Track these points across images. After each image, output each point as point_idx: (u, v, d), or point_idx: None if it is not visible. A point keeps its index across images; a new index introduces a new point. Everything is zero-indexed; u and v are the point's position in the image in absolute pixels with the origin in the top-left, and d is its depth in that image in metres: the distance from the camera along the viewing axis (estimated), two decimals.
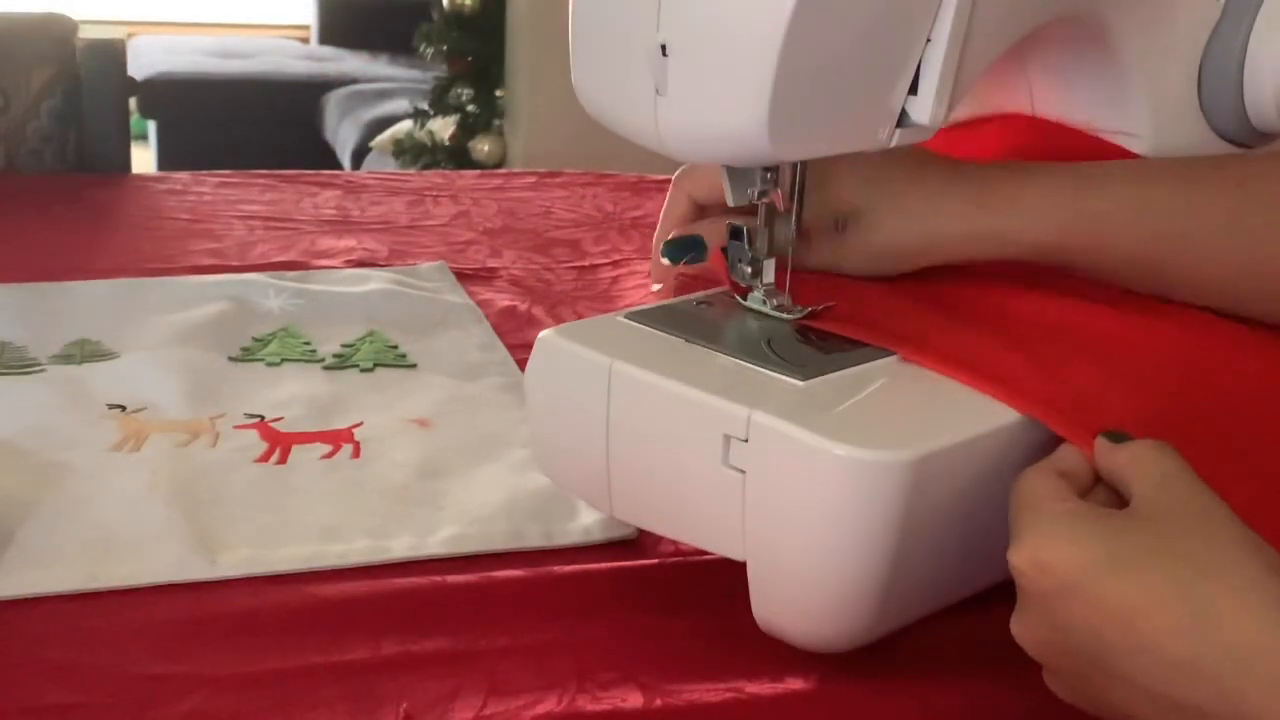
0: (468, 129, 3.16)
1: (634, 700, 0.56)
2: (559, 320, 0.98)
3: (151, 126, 4.08)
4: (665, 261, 0.68)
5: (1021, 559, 0.50)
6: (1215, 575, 0.47)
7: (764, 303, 0.63)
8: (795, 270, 0.63)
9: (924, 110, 0.57)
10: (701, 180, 0.70)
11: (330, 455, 0.76)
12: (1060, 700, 0.52)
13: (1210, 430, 0.58)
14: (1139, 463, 0.52)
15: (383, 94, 3.85)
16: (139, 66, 3.91)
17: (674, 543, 0.67)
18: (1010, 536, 0.51)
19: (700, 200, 0.71)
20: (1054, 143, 0.72)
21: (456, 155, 3.15)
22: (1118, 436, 0.53)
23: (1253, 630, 0.45)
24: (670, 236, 0.69)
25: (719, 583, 0.61)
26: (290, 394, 0.83)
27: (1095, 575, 0.48)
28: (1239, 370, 0.63)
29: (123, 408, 0.80)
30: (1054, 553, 0.49)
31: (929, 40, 0.55)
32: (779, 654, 0.58)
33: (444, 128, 3.19)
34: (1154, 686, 0.47)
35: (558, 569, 0.65)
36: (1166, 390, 0.59)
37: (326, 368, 0.88)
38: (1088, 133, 0.71)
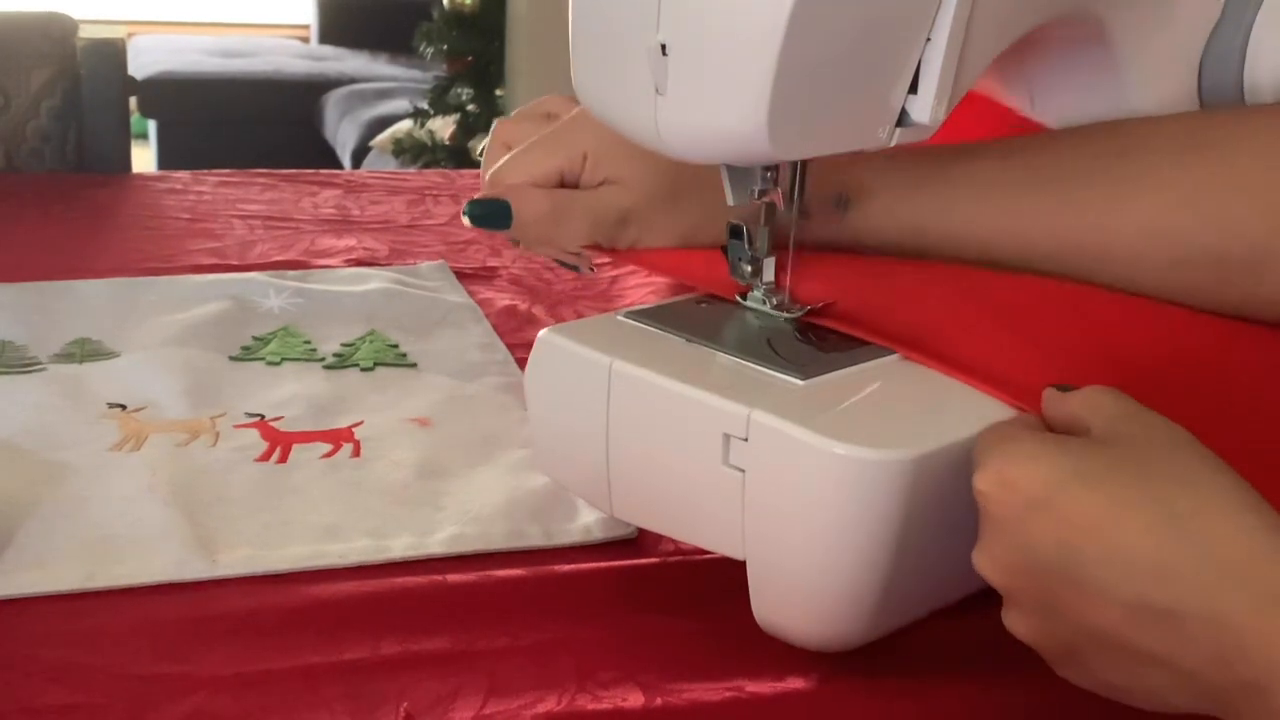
0: (468, 129, 3.16)
1: (634, 700, 0.56)
2: (559, 319, 0.98)
3: (151, 126, 4.08)
4: (466, 221, 0.70)
5: (987, 481, 0.49)
6: (1185, 485, 0.46)
7: (764, 301, 0.63)
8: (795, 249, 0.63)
9: (924, 109, 0.57)
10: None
11: (330, 455, 0.76)
12: (1060, 703, 0.52)
13: (1209, 425, 0.57)
14: (1093, 402, 0.51)
15: (383, 94, 3.85)
16: (139, 66, 3.91)
17: (674, 542, 0.67)
18: (975, 469, 0.50)
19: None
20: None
21: (456, 155, 3.15)
22: (1066, 388, 0.53)
23: (1228, 532, 0.44)
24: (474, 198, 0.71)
25: (719, 582, 0.61)
26: (290, 393, 0.83)
27: (1062, 488, 0.47)
28: (1237, 362, 0.63)
29: (123, 407, 0.80)
30: (1020, 470, 0.48)
31: (929, 40, 0.55)
32: (779, 654, 0.58)
33: (444, 127, 3.19)
34: (1127, 593, 0.45)
35: (558, 569, 0.65)
36: (1170, 389, 0.59)
37: (327, 367, 0.88)
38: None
